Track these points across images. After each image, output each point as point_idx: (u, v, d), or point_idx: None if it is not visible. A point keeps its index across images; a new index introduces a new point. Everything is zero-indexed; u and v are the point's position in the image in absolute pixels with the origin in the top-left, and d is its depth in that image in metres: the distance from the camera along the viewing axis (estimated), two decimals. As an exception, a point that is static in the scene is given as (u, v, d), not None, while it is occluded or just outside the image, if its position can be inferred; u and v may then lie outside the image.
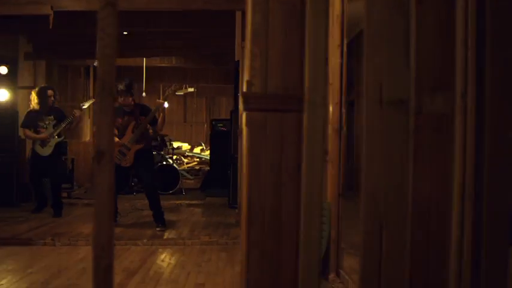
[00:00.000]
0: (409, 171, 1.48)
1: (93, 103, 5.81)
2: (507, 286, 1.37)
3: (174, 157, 10.03)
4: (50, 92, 5.69)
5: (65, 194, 7.35)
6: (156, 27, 6.66)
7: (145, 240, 4.35)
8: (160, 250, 4.12)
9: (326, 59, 1.60)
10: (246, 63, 1.88)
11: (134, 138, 4.93)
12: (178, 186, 7.59)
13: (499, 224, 1.37)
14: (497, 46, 1.35)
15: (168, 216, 5.56)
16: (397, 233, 1.54)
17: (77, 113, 5.54)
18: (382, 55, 1.55)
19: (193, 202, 6.89)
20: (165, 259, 3.84)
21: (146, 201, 5.16)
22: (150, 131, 5.26)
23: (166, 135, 8.55)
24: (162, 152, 7.89)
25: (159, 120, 5.06)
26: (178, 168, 8.67)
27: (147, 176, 5.01)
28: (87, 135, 9.39)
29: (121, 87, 4.90)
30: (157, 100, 5.00)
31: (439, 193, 1.48)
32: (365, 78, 1.57)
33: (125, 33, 6.75)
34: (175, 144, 10.80)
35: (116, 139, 5.02)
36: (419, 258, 1.51)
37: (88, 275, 3.30)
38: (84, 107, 5.63)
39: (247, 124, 1.86)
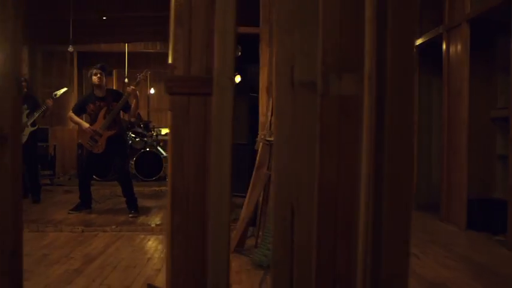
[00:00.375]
0: (317, 155, 1.45)
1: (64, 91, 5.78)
2: (407, 271, 1.34)
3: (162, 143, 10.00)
4: (23, 83, 5.67)
5: (47, 181, 7.37)
6: (135, 11, 6.58)
7: (113, 227, 4.34)
8: (127, 236, 4.11)
9: (235, 41, 1.55)
10: (170, 46, 1.84)
11: (106, 124, 4.90)
12: (161, 173, 7.57)
13: (400, 207, 1.33)
14: (398, 26, 1.30)
15: (144, 203, 5.57)
16: (308, 218, 1.51)
17: (50, 102, 5.53)
18: (293, 35, 1.51)
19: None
20: (129, 245, 3.82)
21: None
22: (132, 118, 5.24)
23: (150, 122, 8.51)
24: (146, 139, 7.85)
25: (132, 106, 5.01)
26: (166, 154, 8.65)
27: (119, 162, 4.99)
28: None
29: (97, 67, 4.93)
30: (130, 86, 4.95)
31: (347, 177, 1.45)
32: (275, 59, 1.52)
33: (104, 18, 6.67)
34: (164, 131, 10.75)
35: (87, 125, 4.99)
36: (328, 244, 1.48)
37: (47, 261, 3.31)
38: (56, 96, 5.60)
39: (170, 108, 1.82)
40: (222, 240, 1.55)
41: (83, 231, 4.21)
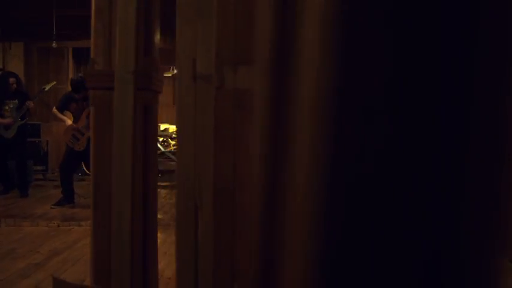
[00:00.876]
0: (212, 150, 1.43)
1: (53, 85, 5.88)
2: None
3: (161, 139, 10.05)
4: (12, 80, 5.77)
5: (40, 176, 7.44)
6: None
7: (89, 222, 4.35)
8: (100, 231, 4.13)
9: (136, 36, 1.54)
10: (91, 41, 1.83)
11: (88, 123, 4.96)
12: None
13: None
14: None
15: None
16: (210, 212, 1.49)
17: (31, 104, 5.63)
18: (195, 26, 1.49)
19: (162, 184, 6.89)
20: (100, 240, 3.84)
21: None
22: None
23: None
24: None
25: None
26: (163, 150, 8.70)
27: None
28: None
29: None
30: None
31: (242, 171, 1.42)
32: (177, 52, 1.51)
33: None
34: (163, 127, 10.81)
35: (70, 122, 5.06)
36: (227, 240, 1.46)
37: (13, 255, 3.34)
38: (45, 89, 5.70)
39: (91, 103, 1.82)
40: (124, 235, 1.54)
41: (58, 226, 4.24)
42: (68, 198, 5.16)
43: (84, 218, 4.53)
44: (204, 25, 1.45)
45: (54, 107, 5.28)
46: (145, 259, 1.81)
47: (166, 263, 3.08)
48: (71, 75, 9.04)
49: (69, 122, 5.09)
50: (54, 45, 5.84)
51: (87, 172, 7.49)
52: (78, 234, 3.97)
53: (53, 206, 5.08)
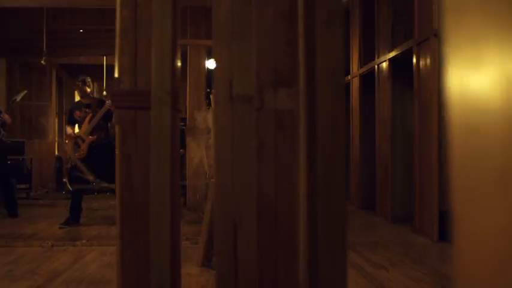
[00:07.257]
0: (254, 169, 1.44)
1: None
2: (346, 283, 1.33)
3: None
4: None
5: (23, 195, 7.27)
6: (113, 25, 6.57)
7: (84, 241, 4.28)
8: (98, 250, 4.05)
9: (173, 55, 1.55)
10: (116, 60, 1.84)
11: (89, 129, 4.92)
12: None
13: (335, 220, 1.33)
14: (326, 40, 1.31)
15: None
16: (251, 232, 1.50)
17: (6, 117, 5.53)
18: (231, 49, 1.51)
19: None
20: (98, 259, 3.77)
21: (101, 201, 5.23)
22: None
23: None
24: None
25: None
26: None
27: (102, 170, 4.86)
28: (51, 135, 9.26)
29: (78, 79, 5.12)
30: (108, 101, 4.97)
31: (284, 191, 1.44)
32: (215, 73, 1.53)
33: (81, 31, 6.66)
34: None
35: (70, 130, 5.05)
36: (269, 256, 1.48)
37: (11, 277, 3.25)
38: (16, 100, 5.72)
39: (116, 122, 1.81)
40: (163, 255, 1.53)
41: (52, 246, 4.14)
42: (75, 217, 5.03)
43: (77, 238, 4.45)
44: (240, 46, 1.48)
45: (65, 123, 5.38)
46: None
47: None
48: (54, 91, 8.92)
49: (70, 130, 5.08)
50: (43, 61, 5.77)
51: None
52: (74, 254, 3.89)
53: (61, 226, 4.94)
